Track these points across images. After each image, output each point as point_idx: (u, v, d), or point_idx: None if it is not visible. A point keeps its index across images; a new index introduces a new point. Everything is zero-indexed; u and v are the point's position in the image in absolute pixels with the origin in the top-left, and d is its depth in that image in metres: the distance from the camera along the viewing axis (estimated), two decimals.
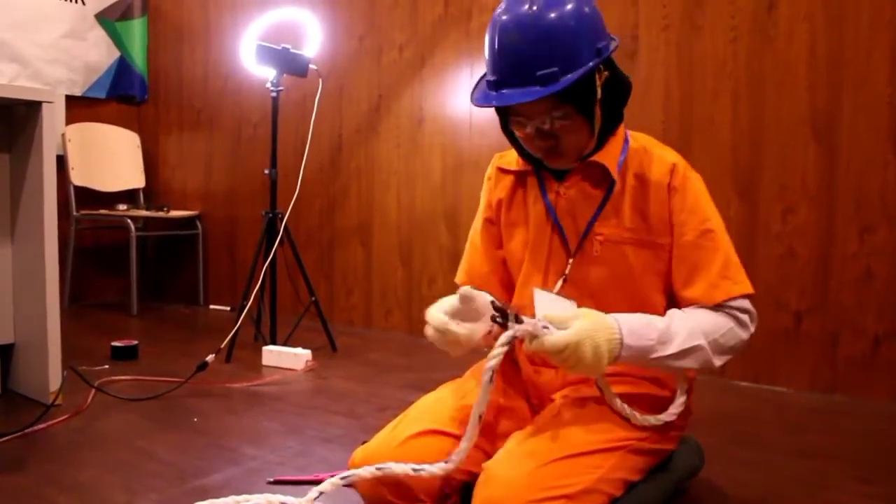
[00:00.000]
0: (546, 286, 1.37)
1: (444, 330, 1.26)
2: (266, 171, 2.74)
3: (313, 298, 2.78)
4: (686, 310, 1.29)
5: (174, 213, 3.77)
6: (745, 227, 2.37)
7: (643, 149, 1.35)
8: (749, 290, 1.28)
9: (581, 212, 1.35)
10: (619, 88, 1.32)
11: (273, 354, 2.56)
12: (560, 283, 1.36)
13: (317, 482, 1.51)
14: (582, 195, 1.35)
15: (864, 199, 2.20)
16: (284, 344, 2.67)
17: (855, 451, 1.78)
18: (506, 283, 1.50)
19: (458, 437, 1.30)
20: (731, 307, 1.27)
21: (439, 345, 1.30)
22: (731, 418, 1.97)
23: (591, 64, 1.21)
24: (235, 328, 2.54)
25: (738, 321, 1.27)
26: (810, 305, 2.28)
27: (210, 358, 2.24)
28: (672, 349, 1.21)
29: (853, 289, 2.22)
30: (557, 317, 1.16)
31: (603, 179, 1.34)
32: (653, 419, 1.29)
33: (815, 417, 2.06)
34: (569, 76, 1.19)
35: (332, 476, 1.32)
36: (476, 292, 1.28)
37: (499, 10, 1.26)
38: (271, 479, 1.55)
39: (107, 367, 2.44)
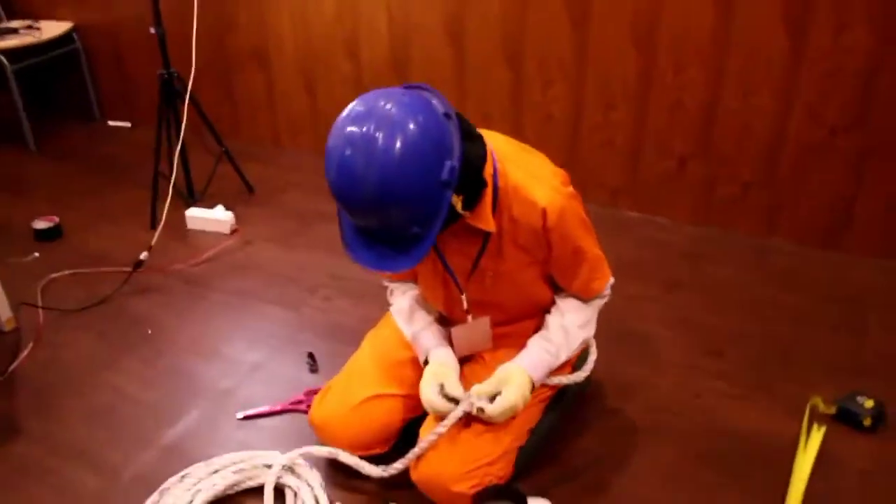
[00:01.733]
0: (448, 310, 1.62)
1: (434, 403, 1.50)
2: (152, 31, 2.56)
3: (224, 149, 2.81)
4: (564, 309, 1.57)
5: (46, 35, 3.40)
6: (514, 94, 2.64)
7: (513, 190, 1.40)
8: (608, 278, 1.60)
9: (466, 252, 1.47)
10: (475, 172, 1.31)
11: (197, 220, 2.67)
12: (470, 317, 1.57)
13: (283, 412, 1.83)
14: (464, 241, 1.46)
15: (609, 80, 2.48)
16: (203, 194, 2.78)
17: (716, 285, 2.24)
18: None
19: (399, 396, 1.62)
20: (599, 296, 1.61)
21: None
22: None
23: (445, 210, 1.23)
24: (153, 199, 2.63)
25: (602, 298, 1.62)
26: (693, 151, 2.54)
27: (144, 255, 2.36)
28: (564, 356, 1.56)
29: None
30: (487, 390, 1.48)
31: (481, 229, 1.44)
32: (566, 379, 1.60)
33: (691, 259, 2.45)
34: (431, 231, 1.24)
35: (298, 403, 1.78)
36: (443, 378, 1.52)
37: (333, 155, 1.21)
38: (241, 416, 1.82)
39: (36, 254, 2.52)
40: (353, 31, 2.94)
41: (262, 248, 2.56)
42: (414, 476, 1.51)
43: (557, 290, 1.60)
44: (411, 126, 1.19)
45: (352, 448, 1.59)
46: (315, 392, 1.85)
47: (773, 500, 1.58)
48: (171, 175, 2.58)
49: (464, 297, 1.54)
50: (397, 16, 2.82)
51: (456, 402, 1.48)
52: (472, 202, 1.35)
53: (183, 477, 1.61)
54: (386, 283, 1.75)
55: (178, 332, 2.14)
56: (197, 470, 1.62)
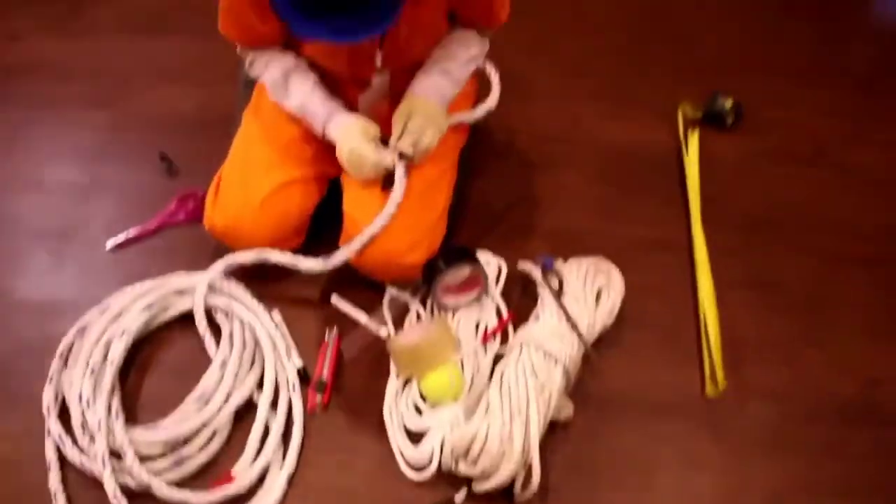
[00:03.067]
0: (351, 71, 1.38)
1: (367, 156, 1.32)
2: None
3: None
4: (462, 39, 1.42)
5: None
6: None
7: None
8: (508, 8, 1.42)
9: None
10: None
11: None
12: (377, 75, 1.38)
13: (159, 229, 1.57)
14: None
15: None
16: None
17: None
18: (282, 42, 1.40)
19: (308, 179, 1.46)
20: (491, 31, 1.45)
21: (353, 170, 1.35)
22: None
23: None
24: None
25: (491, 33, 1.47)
26: None
27: None
28: (459, 84, 1.43)
29: None
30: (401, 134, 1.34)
31: None
32: (475, 113, 1.50)
33: None
34: None
35: (173, 215, 1.59)
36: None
37: None
38: (111, 245, 1.54)
39: None
40: None
41: (36, 41, 2.03)
42: (357, 260, 1.40)
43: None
44: None
45: (267, 247, 1.43)
46: (190, 197, 1.62)
47: (674, 201, 1.71)
48: None
49: (379, 53, 1.33)
50: None
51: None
52: None
53: (82, 331, 1.36)
54: (242, 54, 1.43)
55: None
56: (94, 319, 1.37)
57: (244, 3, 1.29)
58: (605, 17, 2.24)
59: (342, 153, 1.34)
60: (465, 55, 1.43)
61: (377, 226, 1.33)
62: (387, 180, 1.36)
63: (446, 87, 1.41)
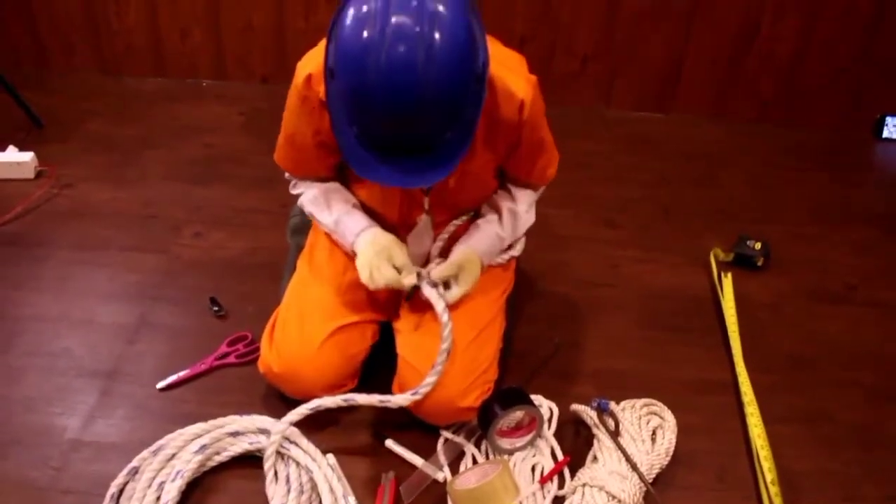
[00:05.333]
0: (402, 216, 1.45)
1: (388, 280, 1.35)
2: None
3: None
4: (515, 196, 1.50)
5: None
6: None
7: (491, 81, 1.26)
8: (557, 160, 1.52)
9: None
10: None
11: None
12: (423, 216, 1.45)
13: (210, 371, 1.58)
14: None
15: None
16: None
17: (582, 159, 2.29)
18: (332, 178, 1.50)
19: (370, 322, 1.50)
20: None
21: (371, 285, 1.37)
22: None
23: (481, 107, 1.15)
24: None
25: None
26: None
27: None
28: (509, 241, 1.54)
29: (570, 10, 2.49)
30: (446, 273, 1.40)
31: None
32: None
33: None
34: (466, 138, 1.15)
35: (224, 356, 1.59)
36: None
37: (377, 55, 1.03)
38: (162, 385, 1.54)
39: None
40: None
41: (88, 189, 2.13)
42: (414, 404, 1.39)
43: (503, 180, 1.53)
44: (453, 16, 1.07)
45: (323, 391, 1.43)
46: (241, 340, 1.64)
47: (714, 341, 1.75)
48: None
49: (427, 199, 1.41)
50: None
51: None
52: None
53: (134, 472, 1.33)
54: (289, 177, 1.52)
55: (25, 305, 1.73)
56: (146, 462, 1.35)
57: (306, 143, 1.39)
58: (633, 170, 2.37)
59: (364, 257, 1.37)
60: (526, 223, 1.53)
61: (440, 365, 1.36)
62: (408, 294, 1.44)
63: (495, 251, 1.51)
